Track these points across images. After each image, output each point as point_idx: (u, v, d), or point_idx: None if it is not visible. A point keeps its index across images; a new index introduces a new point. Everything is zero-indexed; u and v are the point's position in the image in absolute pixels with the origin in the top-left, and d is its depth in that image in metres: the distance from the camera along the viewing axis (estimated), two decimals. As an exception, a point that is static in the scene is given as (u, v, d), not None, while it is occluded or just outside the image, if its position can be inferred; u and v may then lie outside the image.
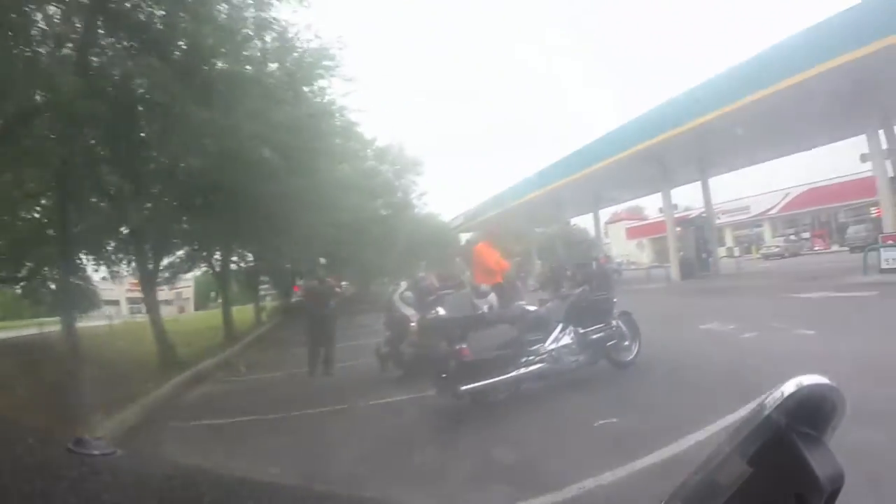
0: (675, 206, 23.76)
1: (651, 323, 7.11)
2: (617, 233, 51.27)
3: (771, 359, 5.63)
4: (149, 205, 11.03)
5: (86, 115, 6.99)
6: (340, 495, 0.94)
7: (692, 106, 16.48)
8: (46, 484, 0.68)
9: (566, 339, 5.78)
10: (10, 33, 6.56)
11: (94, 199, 10.61)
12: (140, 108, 8.58)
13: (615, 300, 6.51)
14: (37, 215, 10.46)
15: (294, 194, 10.83)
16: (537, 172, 27.17)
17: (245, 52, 9.12)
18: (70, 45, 7.76)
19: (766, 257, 34.17)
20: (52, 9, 7.23)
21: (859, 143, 15.80)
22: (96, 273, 14.39)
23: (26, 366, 7.71)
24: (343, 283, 29.84)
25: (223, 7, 8.27)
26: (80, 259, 12.77)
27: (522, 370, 5.31)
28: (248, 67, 9.19)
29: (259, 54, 9.45)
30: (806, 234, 39.47)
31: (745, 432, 0.54)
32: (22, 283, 11.94)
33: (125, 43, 8.04)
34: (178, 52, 8.20)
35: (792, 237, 38.96)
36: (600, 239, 31.37)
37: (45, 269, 11.35)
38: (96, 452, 0.76)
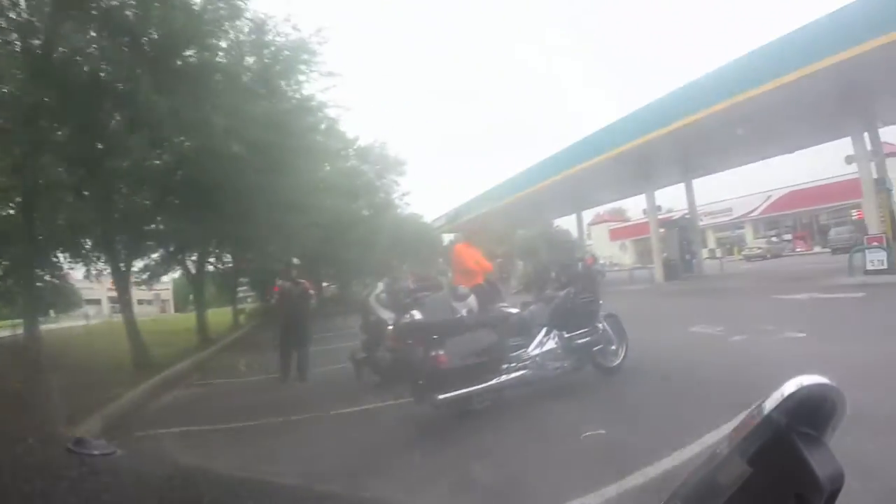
0: (659, 208, 23.67)
1: (637, 325, 6.81)
2: (600, 234, 51.67)
3: (763, 363, 5.39)
4: (120, 204, 10.69)
5: (39, 104, 6.61)
6: (340, 495, 0.95)
7: (676, 107, 16.33)
8: (46, 484, 0.68)
9: (550, 344, 5.46)
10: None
11: (58, 196, 10.24)
12: (103, 99, 8.15)
13: (601, 302, 6.22)
14: (12, 212, 9.98)
15: (271, 193, 10.54)
16: (520, 173, 26.93)
17: (218, 42, 8.77)
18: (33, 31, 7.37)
19: (749, 259, 34.46)
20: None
21: (842, 146, 15.86)
22: (73, 271, 14.18)
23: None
24: (324, 284, 29.60)
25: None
26: (57, 257, 12.46)
27: (504, 377, 4.97)
28: (220, 57, 8.84)
29: (231, 44, 9.09)
30: (788, 236, 39.90)
31: (745, 432, 0.54)
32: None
33: (94, 32, 7.65)
34: (146, 38, 7.84)
35: (774, 239, 39.33)
36: (583, 240, 31.28)
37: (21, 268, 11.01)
38: (96, 452, 0.77)
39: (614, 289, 18.50)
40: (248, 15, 8.94)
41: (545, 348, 5.41)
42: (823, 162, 23.93)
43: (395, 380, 5.88)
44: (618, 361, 6.09)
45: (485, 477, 3.61)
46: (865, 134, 14.41)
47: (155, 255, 16.45)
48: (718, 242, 43.75)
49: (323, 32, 10.50)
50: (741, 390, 4.29)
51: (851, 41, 11.45)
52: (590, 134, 21.45)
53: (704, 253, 27.13)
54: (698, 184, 23.12)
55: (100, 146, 8.89)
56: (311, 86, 11.58)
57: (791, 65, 12.64)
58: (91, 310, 35.30)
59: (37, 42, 7.48)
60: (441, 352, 4.59)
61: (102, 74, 7.94)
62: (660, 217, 23.30)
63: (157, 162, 10.67)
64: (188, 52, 8.34)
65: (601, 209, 47.22)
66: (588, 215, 38.01)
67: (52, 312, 21.52)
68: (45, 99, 7.01)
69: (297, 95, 11.44)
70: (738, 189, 39.69)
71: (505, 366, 5.03)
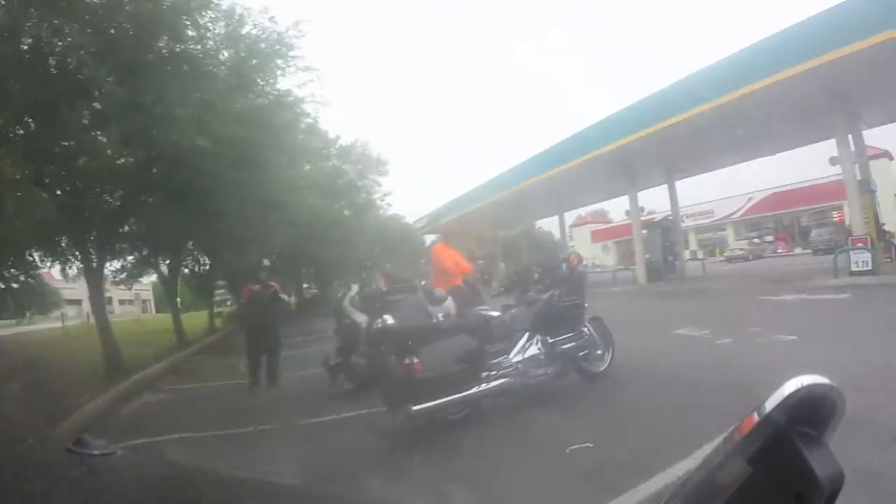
0: (642, 210, 23.58)
1: (621, 328, 6.49)
2: (582, 236, 51.83)
3: (755, 368, 5.16)
4: (90, 203, 10.27)
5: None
6: (340, 495, 1.04)
7: (659, 108, 16.19)
8: (46, 484, 0.68)
9: (533, 350, 5.13)
10: None
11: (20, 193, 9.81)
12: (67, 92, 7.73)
13: (587, 305, 5.91)
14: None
15: (245, 190, 10.23)
16: (503, 173, 26.68)
17: (186, 32, 8.37)
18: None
19: (730, 260, 34.67)
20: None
21: (824, 149, 15.90)
22: (51, 271, 13.87)
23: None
24: (305, 285, 29.13)
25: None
26: (32, 257, 12.05)
27: (483, 386, 4.63)
28: (190, 48, 8.44)
29: (200, 34, 8.68)
30: (769, 238, 40.28)
31: (745, 432, 0.53)
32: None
33: (57, 21, 7.23)
34: (112, 27, 7.44)
35: (755, 240, 39.73)
36: (565, 242, 31.15)
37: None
38: (96, 452, 0.75)
39: (597, 290, 18.24)
40: (223, 6, 8.56)
41: (527, 354, 5.08)
42: (804, 164, 24.05)
43: (370, 387, 5.54)
44: (604, 367, 5.79)
45: (462, 499, 3.29)
46: (849, 136, 14.37)
47: (130, 257, 16.23)
48: (700, 244, 44.01)
49: (300, 26, 10.17)
50: (736, 397, 4.04)
51: (835, 44, 11.40)
52: (572, 135, 21.29)
53: (686, 254, 27.13)
54: (680, 185, 23.08)
55: (67, 143, 8.49)
56: (288, 81, 11.25)
57: (775, 67, 12.57)
58: (71, 310, 34.67)
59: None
60: (415, 359, 4.23)
61: (62, 64, 7.55)
62: (642, 219, 23.21)
63: (130, 160, 10.32)
64: (156, 43, 7.96)
65: (583, 211, 47.29)
66: (570, 217, 37.98)
67: (27, 314, 21.12)
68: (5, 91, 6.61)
69: (274, 91, 11.06)
70: (719, 191, 40.08)
71: (485, 374, 4.69)
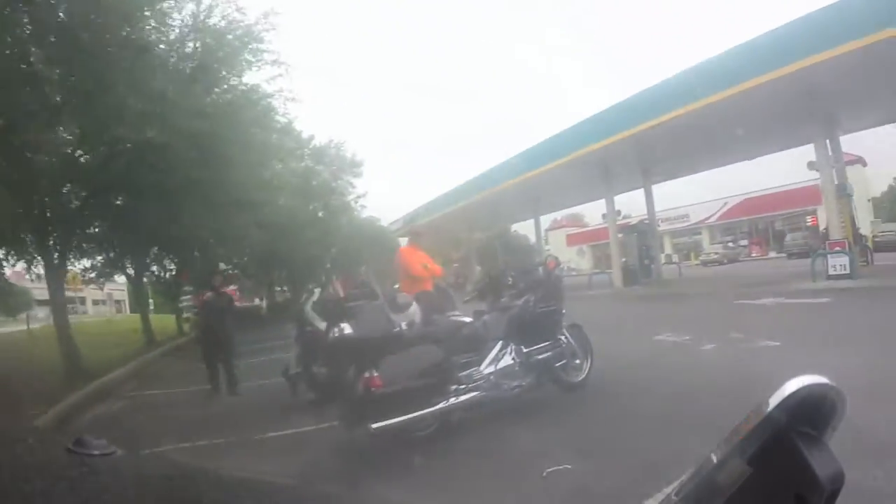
0: (619, 213, 23.45)
1: (598, 333, 6.11)
2: (557, 239, 51.88)
3: (740, 377, 4.84)
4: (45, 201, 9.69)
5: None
6: (340, 495, 0.99)
7: (637, 111, 16.05)
8: (46, 484, 0.67)
9: (506, 361, 4.74)
10: None
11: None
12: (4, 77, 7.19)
13: (564, 311, 5.53)
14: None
15: (210, 188, 9.76)
16: (479, 175, 26.42)
17: (142, 20, 7.88)
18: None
19: (706, 264, 34.93)
20: None
21: (800, 154, 15.97)
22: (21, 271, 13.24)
23: None
24: (276, 288, 28.47)
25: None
26: None
27: (452, 400, 4.22)
28: (147, 36, 7.95)
29: (158, 23, 8.20)
30: (744, 242, 40.73)
31: (745, 432, 0.52)
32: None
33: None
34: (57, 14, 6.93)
35: (730, 244, 40.15)
36: (541, 245, 30.92)
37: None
38: (96, 452, 0.75)
39: (573, 294, 17.98)
40: None
41: (500, 365, 4.69)
42: (779, 169, 24.24)
43: (332, 398, 5.11)
44: (582, 377, 5.42)
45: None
46: (827, 141, 14.37)
47: (99, 257, 15.84)
48: (676, 248, 44.34)
49: (270, 18, 9.77)
50: (727, 410, 3.64)
51: (813, 49, 11.39)
52: (548, 137, 21.14)
53: (661, 258, 27.13)
54: (657, 190, 23.01)
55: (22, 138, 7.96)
56: (257, 75, 10.80)
57: (753, 71, 12.55)
58: (42, 312, 33.51)
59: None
60: (375, 373, 3.82)
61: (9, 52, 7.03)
62: (619, 222, 23.11)
63: (88, 157, 9.81)
64: (113, 31, 7.46)
65: (558, 215, 47.21)
66: (546, 221, 37.83)
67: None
68: None
69: (242, 85, 10.60)
70: (694, 195, 40.50)
71: (453, 387, 4.28)
